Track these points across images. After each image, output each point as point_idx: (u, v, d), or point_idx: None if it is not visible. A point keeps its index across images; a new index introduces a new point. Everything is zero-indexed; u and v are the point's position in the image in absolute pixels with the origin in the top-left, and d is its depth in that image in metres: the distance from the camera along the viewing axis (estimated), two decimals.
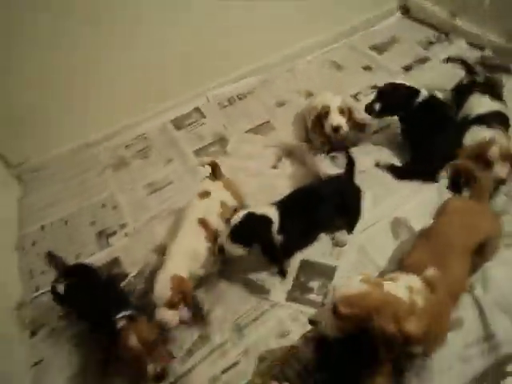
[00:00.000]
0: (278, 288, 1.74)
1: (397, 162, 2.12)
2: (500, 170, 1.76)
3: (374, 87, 2.49)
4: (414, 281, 1.28)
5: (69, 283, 1.69)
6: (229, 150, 2.41)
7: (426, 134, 1.98)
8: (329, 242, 1.85)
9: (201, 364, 1.58)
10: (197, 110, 2.76)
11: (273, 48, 2.86)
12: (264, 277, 1.78)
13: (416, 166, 2.03)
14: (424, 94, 2.04)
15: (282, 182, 2.14)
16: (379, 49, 2.92)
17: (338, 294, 1.22)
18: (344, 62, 2.88)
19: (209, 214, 1.75)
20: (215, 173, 1.91)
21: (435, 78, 2.50)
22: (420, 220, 1.77)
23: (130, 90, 2.51)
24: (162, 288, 1.51)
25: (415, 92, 2.04)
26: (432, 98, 2.07)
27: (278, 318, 1.65)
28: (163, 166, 2.44)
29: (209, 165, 1.91)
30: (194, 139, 2.55)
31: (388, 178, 2.06)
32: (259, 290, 1.75)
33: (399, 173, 2.05)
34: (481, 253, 1.46)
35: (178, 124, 2.70)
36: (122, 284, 1.88)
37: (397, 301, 1.18)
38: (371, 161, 2.13)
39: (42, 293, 1.95)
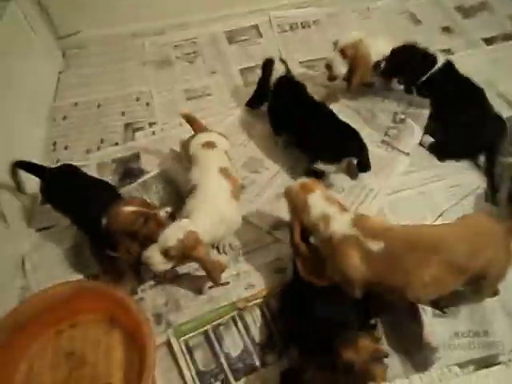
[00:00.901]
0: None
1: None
2: None
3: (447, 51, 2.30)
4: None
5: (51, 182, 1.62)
6: None
7: (456, 107, 1.82)
8: (349, 196, 1.79)
9: (190, 275, 1.60)
10: (255, 27, 2.60)
11: None
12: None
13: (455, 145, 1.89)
14: (442, 60, 1.86)
15: None
16: (465, 12, 2.64)
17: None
18: (423, 17, 2.63)
19: (224, 164, 1.59)
20: (195, 127, 1.75)
21: None
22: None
23: None
24: (172, 233, 1.35)
25: (431, 57, 1.87)
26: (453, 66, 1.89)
27: (278, 254, 1.64)
28: (206, 76, 2.35)
29: (184, 118, 1.78)
30: (244, 57, 2.43)
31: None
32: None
33: (442, 154, 1.91)
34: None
35: (232, 37, 2.56)
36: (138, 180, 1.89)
37: None
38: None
39: None
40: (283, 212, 1.62)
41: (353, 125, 1.78)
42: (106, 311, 1.47)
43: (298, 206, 1.38)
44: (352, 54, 1.88)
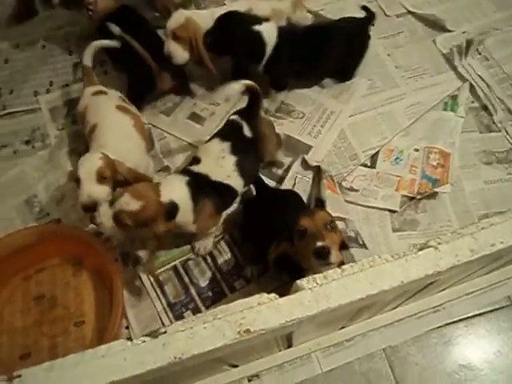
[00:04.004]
0: None
1: None
2: None
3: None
4: None
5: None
6: None
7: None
8: (310, 120, 1.77)
9: None
10: None
11: None
12: None
13: None
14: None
15: None
16: None
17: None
18: None
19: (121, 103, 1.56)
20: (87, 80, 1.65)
21: None
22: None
23: None
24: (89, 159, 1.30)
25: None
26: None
27: None
28: None
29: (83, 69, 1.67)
30: None
31: (391, 68, 1.92)
32: None
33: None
34: None
35: None
36: None
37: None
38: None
39: (9, 113, 1.88)
40: None
41: None
42: (71, 253, 1.47)
43: None
44: (185, 36, 1.60)
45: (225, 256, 1.51)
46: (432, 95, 1.83)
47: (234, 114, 1.47)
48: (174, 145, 1.75)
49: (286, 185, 1.60)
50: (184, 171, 1.36)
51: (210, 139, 1.43)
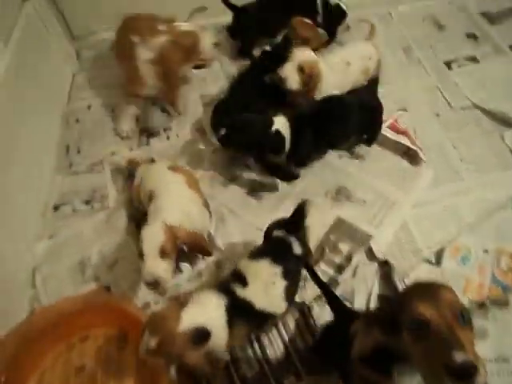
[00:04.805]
0: None
1: None
2: None
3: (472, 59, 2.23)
4: None
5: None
6: None
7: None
8: (371, 208, 1.73)
9: None
10: None
11: None
12: None
13: None
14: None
15: None
16: (491, 18, 2.55)
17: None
18: (447, 22, 2.54)
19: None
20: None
21: None
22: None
23: None
24: (153, 232, 1.29)
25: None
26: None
27: None
28: (222, 80, 2.28)
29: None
30: None
31: (456, 161, 1.87)
32: None
33: None
34: None
35: None
36: None
37: None
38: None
39: (73, 172, 1.94)
40: None
41: None
42: (117, 324, 1.43)
43: None
44: (309, 72, 1.77)
45: (275, 345, 1.42)
46: (499, 192, 1.75)
47: (276, 226, 1.34)
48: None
49: (348, 275, 1.53)
50: (224, 289, 1.19)
51: (255, 256, 1.26)
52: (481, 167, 1.85)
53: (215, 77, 2.30)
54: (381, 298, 1.46)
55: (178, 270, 1.56)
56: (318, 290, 1.38)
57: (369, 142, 1.89)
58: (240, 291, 1.18)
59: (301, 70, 1.77)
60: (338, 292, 1.47)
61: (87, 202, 1.83)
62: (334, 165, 1.88)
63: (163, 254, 1.26)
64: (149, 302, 1.53)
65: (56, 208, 1.82)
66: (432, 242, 1.62)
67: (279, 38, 2.14)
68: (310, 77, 1.78)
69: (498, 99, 2.09)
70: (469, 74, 2.23)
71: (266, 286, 1.19)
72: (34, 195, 1.78)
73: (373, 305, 1.46)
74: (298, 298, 1.45)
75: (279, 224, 1.35)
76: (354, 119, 1.72)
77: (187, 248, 1.41)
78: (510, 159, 1.87)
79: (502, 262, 1.55)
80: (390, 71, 2.22)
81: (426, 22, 2.56)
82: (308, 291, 1.49)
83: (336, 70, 1.88)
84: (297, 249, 1.27)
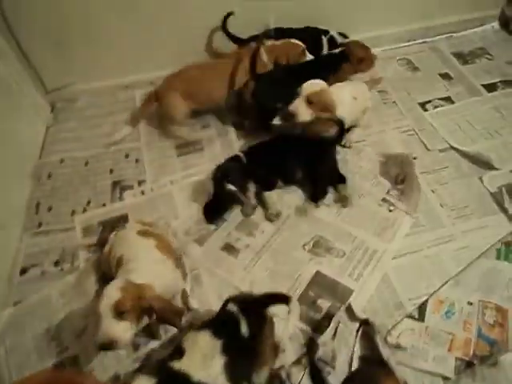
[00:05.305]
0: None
1: None
2: None
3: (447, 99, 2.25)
4: None
5: None
6: None
7: None
8: (351, 260, 1.67)
9: None
10: None
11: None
12: None
13: None
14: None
15: None
16: (464, 58, 2.59)
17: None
18: (421, 64, 2.57)
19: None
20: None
21: None
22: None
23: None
24: (112, 288, 1.22)
25: None
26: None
27: None
28: (199, 129, 2.26)
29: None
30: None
31: (436, 206, 1.84)
32: None
33: None
34: None
35: None
36: None
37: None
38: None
39: (43, 231, 1.87)
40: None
41: None
42: None
43: None
44: (318, 102, 1.84)
45: None
46: (482, 239, 1.71)
47: (233, 300, 1.28)
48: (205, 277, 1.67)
49: (328, 334, 1.45)
50: (159, 366, 1.15)
51: (200, 328, 1.21)
52: (462, 213, 1.81)
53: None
54: (362, 359, 1.38)
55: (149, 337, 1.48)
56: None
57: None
58: (176, 364, 1.12)
59: (309, 101, 1.82)
60: (318, 354, 1.39)
61: (56, 263, 1.75)
62: (311, 215, 1.83)
63: (119, 312, 1.17)
64: (119, 375, 1.43)
65: (23, 271, 1.74)
66: (414, 295, 1.56)
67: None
68: (320, 105, 1.84)
69: (474, 139, 2.09)
70: (444, 115, 2.23)
71: (204, 358, 1.13)
72: None
73: (355, 366, 1.39)
74: None
75: (237, 299, 1.29)
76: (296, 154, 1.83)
77: (156, 315, 1.32)
78: (490, 204, 1.84)
79: (488, 315, 1.49)
80: (367, 114, 2.21)
81: (400, 63, 2.59)
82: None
83: (346, 103, 1.95)
84: (244, 329, 1.20)
